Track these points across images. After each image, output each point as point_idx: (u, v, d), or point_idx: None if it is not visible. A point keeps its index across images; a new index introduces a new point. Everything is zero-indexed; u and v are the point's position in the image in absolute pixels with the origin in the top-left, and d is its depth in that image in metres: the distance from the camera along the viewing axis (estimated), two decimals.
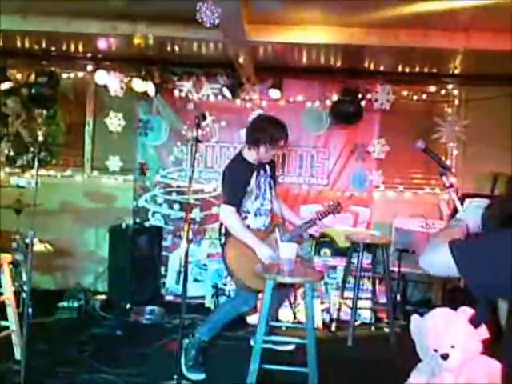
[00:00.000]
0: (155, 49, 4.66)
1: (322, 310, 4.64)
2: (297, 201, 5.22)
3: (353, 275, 4.35)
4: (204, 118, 3.50)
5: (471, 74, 5.06)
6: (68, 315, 4.45)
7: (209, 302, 4.84)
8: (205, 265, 5.09)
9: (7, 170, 5.32)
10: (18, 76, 5.25)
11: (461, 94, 5.28)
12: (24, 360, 3.01)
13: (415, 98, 5.26)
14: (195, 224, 5.19)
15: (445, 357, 2.15)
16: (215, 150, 5.30)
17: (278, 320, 4.11)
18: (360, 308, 4.36)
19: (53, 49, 4.92)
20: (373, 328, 4.58)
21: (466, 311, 2.23)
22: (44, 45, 4.81)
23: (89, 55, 5.13)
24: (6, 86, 4.99)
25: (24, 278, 4.31)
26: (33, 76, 4.99)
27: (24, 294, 4.08)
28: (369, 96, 5.18)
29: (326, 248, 4.94)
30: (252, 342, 3.64)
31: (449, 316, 2.25)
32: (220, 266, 4.72)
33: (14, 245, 4.27)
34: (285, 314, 4.45)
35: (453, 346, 2.15)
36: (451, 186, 2.12)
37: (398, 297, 4.63)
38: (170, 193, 5.34)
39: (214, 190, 5.24)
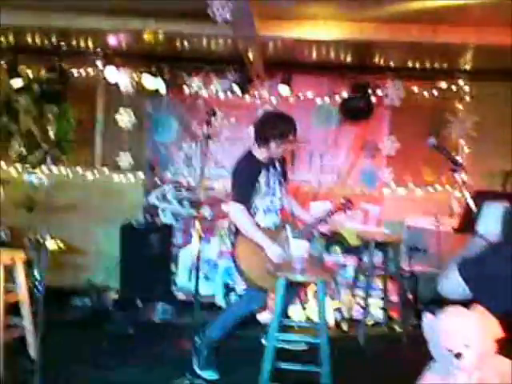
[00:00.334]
0: (165, 45, 4.67)
1: (334, 310, 4.62)
2: (307, 198, 5.20)
3: (364, 274, 4.33)
4: (214, 113, 3.49)
5: (482, 69, 5.03)
6: (80, 313, 4.48)
7: (220, 301, 4.84)
8: (215, 263, 5.09)
9: (18, 166, 5.35)
10: (29, 72, 5.26)
11: (472, 89, 5.23)
12: (39, 358, 3.02)
13: (426, 94, 5.22)
14: (205, 221, 5.19)
15: (458, 356, 2.13)
16: (225, 146, 5.30)
17: (287, 317, 4.10)
18: (371, 307, 4.35)
19: (63, 45, 4.94)
20: (384, 327, 4.56)
21: (480, 309, 2.21)
22: (55, 41, 4.83)
23: (99, 51, 5.13)
24: (18, 82, 5.01)
25: (37, 275, 4.34)
26: (43, 72, 5.01)
27: (37, 292, 4.11)
28: (379, 92, 5.15)
29: (336, 246, 4.93)
30: (263, 341, 3.65)
31: (462, 314, 2.22)
32: (230, 264, 4.72)
33: (26, 242, 4.29)
34: (296, 313, 4.45)
35: (466, 345, 2.13)
36: (463, 182, 2.10)
37: (410, 295, 4.61)
38: (179, 190, 5.35)
39: (224, 186, 5.25)
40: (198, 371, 3.38)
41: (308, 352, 3.62)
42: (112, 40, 4.68)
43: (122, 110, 5.34)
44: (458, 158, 5.18)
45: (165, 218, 5.30)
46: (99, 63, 5.27)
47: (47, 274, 3.27)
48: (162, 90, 5.08)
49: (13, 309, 3.39)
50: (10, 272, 3.39)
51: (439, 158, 2.24)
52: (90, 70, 5.36)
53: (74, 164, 5.43)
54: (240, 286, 4.72)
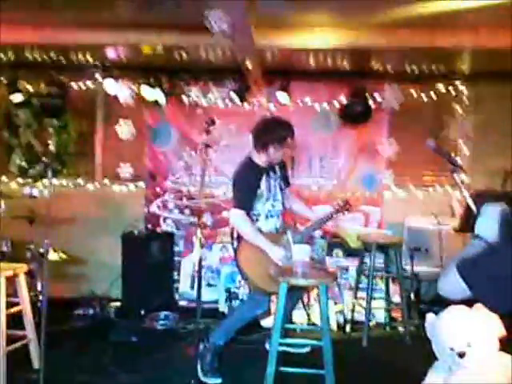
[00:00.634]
0: (163, 56, 4.70)
1: (336, 312, 4.62)
2: (307, 202, 5.20)
3: (366, 275, 4.34)
4: (213, 123, 3.52)
5: (480, 71, 5.04)
6: (83, 323, 4.48)
7: (222, 307, 4.85)
8: (217, 269, 5.11)
9: (19, 180, 5.37)
10: (29, 87, 5.31)
11: (469, 91, 5.25)
12: (42, 369, 3.03)
13: (424, 96, 5.24)
14: (206, 228, 5.21)
15: (462, 355, 2.13)
16: (224, 154, 5.32)
17: (291, 322, 4.10)
18: (374, 308, 4.35)
19: (63, 59, 4.98)
20: (387, 328, 4.56)
21: (482, 308, 2.22)
22: (54, 56, 4.88)
23: (98, 64, 5.17)
24: (18, 97, 5.06)
25: (39, 287, 4.36)
26: (43, 86, 5.06)
27: (39, 304, 4.12)
28: (377, 96, 5.18)
29: (337, 249, 4.94)
30: (267, 346, 3.65)
31: (464, 313, 2.23)
32: (233, 270, 4.73)
33: (28, 254, 4.31)
34: (299, 316, 4.45)
35: (469, 344, 2.13)
36: (462, 183, 2.12)
37: (412, 296, 4.61)
38: (180, 198, 5.37)
39: (224, 193, 5.27)
40: (202, 377, 3.38)
41: (311, 355, 3.62)
42: (111, 53, 4.72)
43: (121, 121, 5.38)
44: (457, 159, 5.20)
45: (166, 227, 5.32)
46: (98, 76, 5.31)
47: (49, 285, 3.29)
48: (161, 100, 5.12)
49: (16, 320, 3.41)
50: (12, 284, 3.41)
51: (439, 160, 2.26)
52: (89, 82, 5.39)
53: (75, 176, 5.46)
54: (242, 291, 4.73)
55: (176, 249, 5.30)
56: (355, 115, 5.07)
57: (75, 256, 5.08)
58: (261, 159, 3.50)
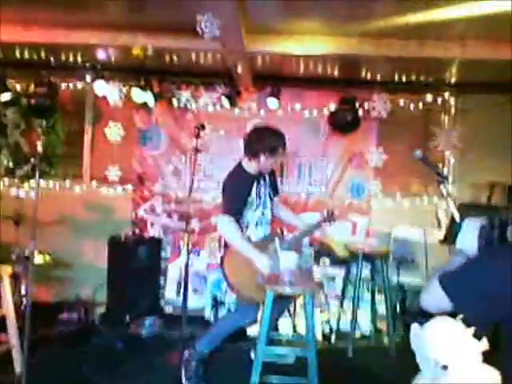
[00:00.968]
0: (154, 59, 4.69)
1: (322, 322, 4.62)
2: (295, 209, 5.22)
3: (352, 285, 4.35)
4: (203, 128, 3.52)
5: (467, 82, 5.10)
6: (67, 328, 4.43)
7: (208, 314, 4.82)
8: (204, 276, 5.09)
9: (6, 180, 5.32)
10: (18, 86, 5.26)
11: (457, 102, 5.31)
12: (25, 374, 2.99)
13: (412, 106, 5.28)
14: (194, 234, 5.19)
15: (445, 367, 2.15)
16: (214, 158, 5.32)
17: (277, 330, 4.09)
18: (359, 318, 4.36)
19: (52, 59, 4.94)
20: (372, 339, 4.57)
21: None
22: (43, 55, 4.84)
23: (88, 65, 5.14)
24: (6, 96, 5.01)
25: (23, 290, 4.31)
26: (32, 86, 5.01)
27: (23, 307, 4.07)
28: (366, 105, 5.21)
29: (325, 257, 4.94)
30: (252, 355, 3.63)
31: (448, 326, 2.25)
32: (219, 277, 4.71)
33: (13, 256, 4.26)
34: (284, 326, 4.44)
35: (453, 357, 2.15)
36: (448, 195, 2.14)
37: (398, 307, 4.63)
38: (168, 203, 5.35)
39: (213, 199, 5.25)
40: None
41: (296, 364, 3.61)
42: (101, 54, 4.70)
43: (110, 123, 5.35)
44: (444, 170, 5.24)
45: (153, 231, 5.29)
46: (88, 77, 5.28)
47: (34, 289, 3.25)
48: (151, 103, 5.10)
49: None
50: None
51: (426, 170, 2.27)
52: (78, 83, 5.36)
53: (63, 177, 5.42)
54: (228, 299, 4.71)
55: (163, 254, 5.26)
56: (344, 123, 5.09)
57: (61, 259, 5.04)
58: (251, 167, 3.50)
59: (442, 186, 2.20)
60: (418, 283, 4.67)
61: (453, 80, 5.08)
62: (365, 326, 4.64)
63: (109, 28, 4.11)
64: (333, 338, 4.48)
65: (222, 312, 4.71)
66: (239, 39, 3.64)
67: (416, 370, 2.29)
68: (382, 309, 4.47)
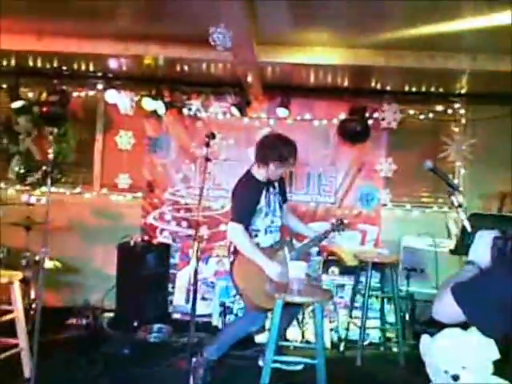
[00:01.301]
0: (165, 68, 4.75)
1: (331, 330, 4.61)
2: (304, 218, 5.22)
3: (361, 294, 4.33)
4: (213, 137, 3.55)
5: (478, 93, 5.09)
6: (76, 333, 4.45)
7: (216, 321, 4.82)
8: (212, 282, 5.09)
9: (18, 187, 5.37)
10: (30, 94, 5.33)
11: (467, 113, 5.30)
12: (33, 378, 3.01)
13: (422, 116, 5.28)
14: (203, 241, 5.21)
15: (456, 378, 2.13)
16: (223, 167, 5.34)
17: (286, 339, 4.08)
18: (369, 327, 4.34)
19: (64, 68, 5.01)
20: (382, 348, 4.54)
21: (476, 331, 2.22)
22: (56, 64, 4.91)
23: (99, 74, 5.20)
24: (18, 104, 5.08)
25: (33, 295, 4.34)
26: (44, 94, 5.08)
27: (33, 312, 4.09)
28: (376, 115, 5.22)
29: (334, 266, 4.93)
30: (260, 362, 3.62)
31: (459, 336, 2.24)
32: (227, 284, 4.72)
33: (24, 262, 4.30)
34: (293, 334, 4.43)
35: (464, 367, 2.14)
36: (460, 205, 2.14)
37: (407, 316, 4.60)
38: (178, 210, 5.37)
39: (222, 207, 5.28)
40: None
41: (304, 373, 3.60)
42: (113, 63, 4.76)
43: (121, 131, 5.41)
44: (455, 181, 5.23)
45: (163, 238, 5.32)
46: (100, 86, 5.34)
47: (44, 294, 3.27)
48: (162, 111, 5.14)
49: (8, 328, 3.38)
50: (6, 291, 3.40)
51: (436, 179, 2.27)
52: (90, 92, 5.42)
53: (73, 184, 5.47)
54: (237, 306, 4.72)
55: (172, 261, 5.29)
56: (354, 133, 5.11)
57: (70, 265, 5.08)
58: (261, 174, 3.51)
59: (452, 197, 2.20)
60: (427, 293, 4.65)
61: (463, 91, 5.09)
62: (374, 334, 4.61)
63: (121, 38, 4.16)
64: (342, 346, 4.46)
65: (230, 319, 4.70)
66: (250, 50, 3.68)
67: (425, 379, 2.27)
68: (391, 318, 4.44)
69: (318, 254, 5.03)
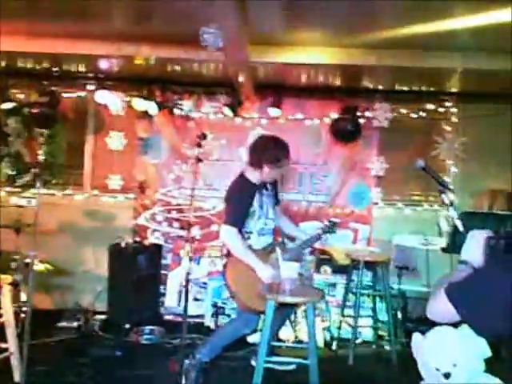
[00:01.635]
0: (156, 68, 4.72)
1: (323, 329, 4.61)
2: (296, 218, 5.21)
3: (353, 293, 4.33)
4: (205, 137, 3.53)
5: (469, 91, 5.12)
6: (67, 335, 4.41)
7: (208, 321, 4.81)
8: (204, 283, 5.07)
9: (7, 189, 5.33)
10: (20, 96, 5.29)
11: (459, 111, 5.32)
12: (23, 383, 2.98)
13: (413, 115, 5.30)
14: (195, 242, 5.19)
15: (447, 376, 2.13)
16: (215, 167, 5.33)
17: (278, 340, 4.08)
18: (361, 326, 4.34)
19: (54, 69, 4.97)
20: (374, 346, 4.55)
21: (467, 329, 2.22)
22: (46, 65, 4.87)
23: (90, 75, 5.17)
24: (8, 105, 5.03)
25: (23, 298, 4.29)
26: (34, 96, 5.04)
27: (23, 315, 4.06)
28: (367, 114, 5.23)
29: (326, 265, 4.94)
30: (253, 362, 3.62)
31: (450, 334, 2.24)
32: (220, 284, 4.71)
33: (14, 265, 4.25)
34: (285, 333, 4.42)
35: (455, 365, 2.14)
36: (451, 204, 2.14)
37: (399, 314, 4.61)
38: (169, 211, 5.35)
39: (214, 207, 5.26)
40: None
41: (297, 372, 3.59)
42: (103, 64, 4.73)
43: (112, 132, 5.38)
44: (446, 179, 5.24)
45: (154, 239, 5.29)
46: (90, 86, 5.30)
47: (34, 296, 3.24)
48: (153, 112, 5.12)
49: None
50: None
51: (428, 178, 2.28)
52: (80, 93, 5.39)
53: (64, 186, 5.43)
54: (229, 306, 4.70)
55: (163, 262, 5.26)
56: (345, 133, 5.11)
57: (61, 267, 5.04)
58: (254, 176, 3.49)
59: (443, 195, 2.20)
60: (419, 290, 4.66)
61: (454, 89, 5.10)
62: (366, 333, 4.62)
63: (112, 39, 4.14)
64: (334, 345, 4.46)
65: (223, 320, 4.69)
66: (242, 50, 3.66)
67: (417, 377, 2.27)
68: (383, 316, 4.45)
69: (311, 253, 5.03)
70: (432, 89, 5.13)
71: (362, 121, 5.18)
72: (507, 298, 1.36)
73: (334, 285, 4.88)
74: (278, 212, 3.80)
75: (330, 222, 3.79)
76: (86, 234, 5.27)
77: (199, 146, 3.45)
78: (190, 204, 3.37)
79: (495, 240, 1.58)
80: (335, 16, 3.50)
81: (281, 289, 3.04)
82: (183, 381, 3.36)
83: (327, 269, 4.92)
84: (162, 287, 5.19)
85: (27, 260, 4.18)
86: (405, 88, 5.13)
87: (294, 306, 4.04)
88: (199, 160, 3.44)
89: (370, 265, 4.38)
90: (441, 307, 1.48)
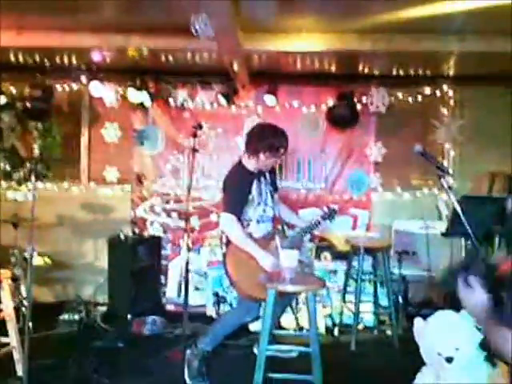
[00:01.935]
0: (149, 59, 4.67)
1: (325, 316, 4.61)
2: (295, 205, 5.20)
3: (354, 279, 4.34)
4: (200, 127, 3.50)
5: (466, 74, 5.08)
6: (68, 328, 4.41)
7: (210, 311, 4.82)
8: (205, 273, 5.07)
9: (3, 184, 5.29)
10: (13, 90, 5.24)
11: (456, 94, 5.29)
12: (26, 376, 2.98)
13: (410, 100, 5.27)
14: (194, 232, 5.18)
15: (449, 360, 2.14)
16: (212, 157, 5.30)
17: (280, 327, 4.08)
18: (362, 312, 4.35)
19: (47, 62, 4.92)
20: (375, 331, 4.56)
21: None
22: (38, 58, 4.82)
23: (83, 67, 5.12)
24: (1, 100, 4.99)
25: (23, 292, 4.29)
26: (27, 89, 4.99)
27: (24, 309, 4.06)
28: (364, 100, 5.20)
29: (326, 252, 4.94)
30: (255, 350, 3.62)
31: (452, 318, 2.24)
32: (220, 274, 4.71)
33: (13, 259, 4.25)
34: (287, 321, 4.43)
35: (457, 349, 2.14)
36: (450, 188, 2.13)
37: (400, 299, 4.62)
38: (167, 202, 5.34)
39: (212, 197, 5.24)
40: (189, 382, 3.35)
41: (299, 360, 3.60)
42: (96, 56, 4.67)
43: (107, 124, 5.34)
44: (445, 163, 5.23)
45: (153, 230, 5.28)
46: (83, 78, 5.25)
47: (35, 290, 3.24)
48: (148, 102, 5.08)
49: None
50: None
51: (426, 162, 2.26)
52: (74, 85, 5.34)
53: (60, 179, 5.40)
54: (230, 295, 4.70)
55: (163, 252, 5.26)
56: (342, 119, 5.08)
57: (60, 260, 5.04)
58: (252, 165, 3.47)
59: (442, 179, 2.19)
60: (419, 275, 4.67)
61: (451, 73, 5.06)
62: (368, 318, 4.63)
63: (103, 30, 4.09)
64: (336, 331, 4.47)
65: (224, 309, 4.70)
66: (234, 38, 3.62)
67: (420, 361, 2.28)
68: (384, 301, 4.46)
69: (310, 240, 5.02)
70: (429, 72, 5.09)
71: (358, 107, 5.14)
72: None
73: (334, 271, 4.88)
74: (277, 200, 3.78)
75: (329, 208, 3.77)
76: (85, 227, 5.26)
77: (195, 136, 3.41)
78: (188, 194, 3.34)
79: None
80: (329, 1, 3.45)
81: (281, 277, 3.03)
82: (186, 371, 3.37)
83: (327, 255, 4.93)
84: (162, 278, 5.20)
85: (26, 254, 4.18)
86: (401, 72, 5.08)
87: (295, 294, 4.05)
88: (195, 150, 3.41)
89: (370, 250, 4.37)
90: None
